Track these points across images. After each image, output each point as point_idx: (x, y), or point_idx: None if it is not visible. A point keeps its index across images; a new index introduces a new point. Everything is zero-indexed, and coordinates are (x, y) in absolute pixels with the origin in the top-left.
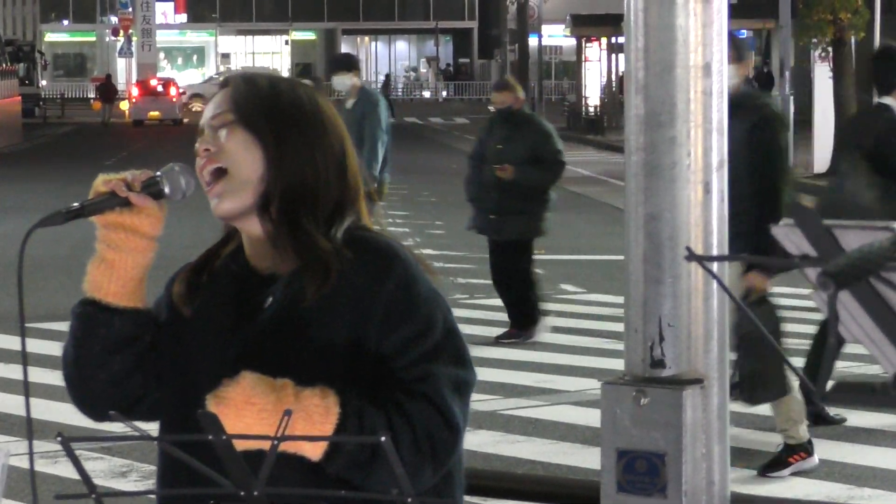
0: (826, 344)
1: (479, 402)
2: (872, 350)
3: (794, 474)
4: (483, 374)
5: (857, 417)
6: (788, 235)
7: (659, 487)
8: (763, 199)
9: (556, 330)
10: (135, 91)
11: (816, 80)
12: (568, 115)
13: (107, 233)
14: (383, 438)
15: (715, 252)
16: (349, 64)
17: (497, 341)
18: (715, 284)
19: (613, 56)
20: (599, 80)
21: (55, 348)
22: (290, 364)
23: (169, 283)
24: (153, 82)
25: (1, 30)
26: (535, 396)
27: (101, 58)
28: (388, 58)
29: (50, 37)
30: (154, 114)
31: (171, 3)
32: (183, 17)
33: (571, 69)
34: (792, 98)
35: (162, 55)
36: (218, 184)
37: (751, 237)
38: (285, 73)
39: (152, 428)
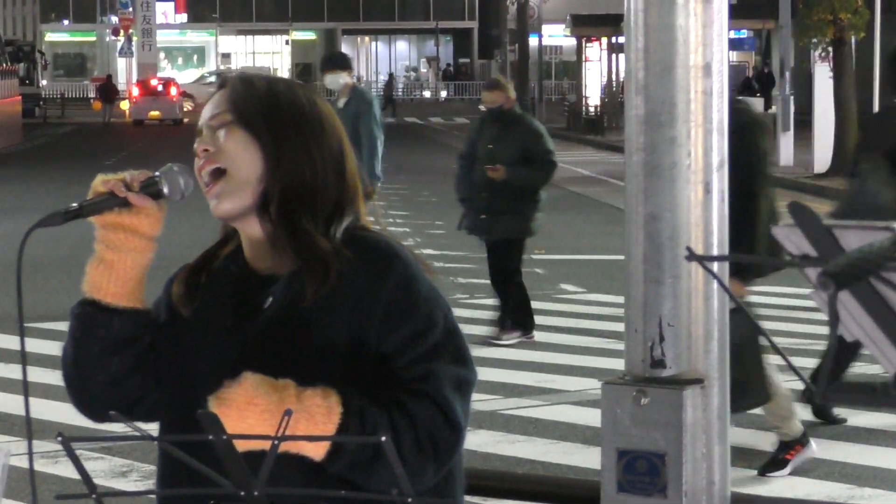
0: (828, 345)
1: (479, 401)
2: (872, 350)
3: (793, 474)
4: (483, 374)
5: (857, 417)
6: (789, 235)
7: (659, 487)
8: (743, 204)
9: (556, 330)
10: (135, 91)
11: (816, 80)
12: (568, 115)
13: (106, 233)
14: (384, 439)
15: (715, 252)
16: (342, 63)
17: (490, 342)
18: (715, 284)
19: (613, 56)
20: (599, 80)
21: (55, 348)
22: (291, 364)
23: (168, 283)
24: (153, 82)
25: (1, 30)
26: (535, 396)
27: (101, 58)
28: (388, 58)
29: (50, 37)
30: (154, 114)
31: (172, 3)
32: (183, 17)
33: (571, 69)
34: (792, 98)
35: (162, 55)
36: (217, 184)
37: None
38: (285, 74)
39: (152, 428)
